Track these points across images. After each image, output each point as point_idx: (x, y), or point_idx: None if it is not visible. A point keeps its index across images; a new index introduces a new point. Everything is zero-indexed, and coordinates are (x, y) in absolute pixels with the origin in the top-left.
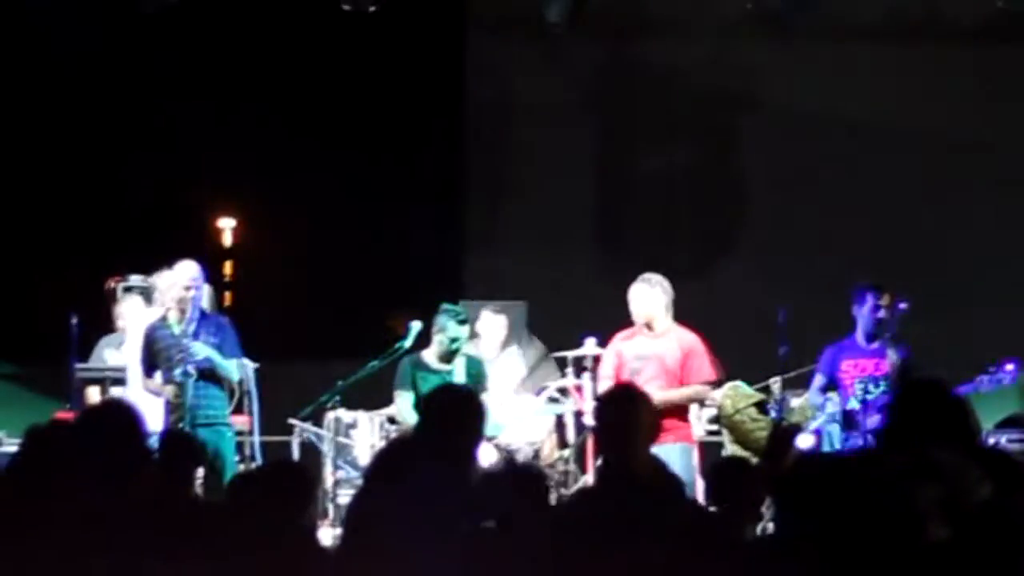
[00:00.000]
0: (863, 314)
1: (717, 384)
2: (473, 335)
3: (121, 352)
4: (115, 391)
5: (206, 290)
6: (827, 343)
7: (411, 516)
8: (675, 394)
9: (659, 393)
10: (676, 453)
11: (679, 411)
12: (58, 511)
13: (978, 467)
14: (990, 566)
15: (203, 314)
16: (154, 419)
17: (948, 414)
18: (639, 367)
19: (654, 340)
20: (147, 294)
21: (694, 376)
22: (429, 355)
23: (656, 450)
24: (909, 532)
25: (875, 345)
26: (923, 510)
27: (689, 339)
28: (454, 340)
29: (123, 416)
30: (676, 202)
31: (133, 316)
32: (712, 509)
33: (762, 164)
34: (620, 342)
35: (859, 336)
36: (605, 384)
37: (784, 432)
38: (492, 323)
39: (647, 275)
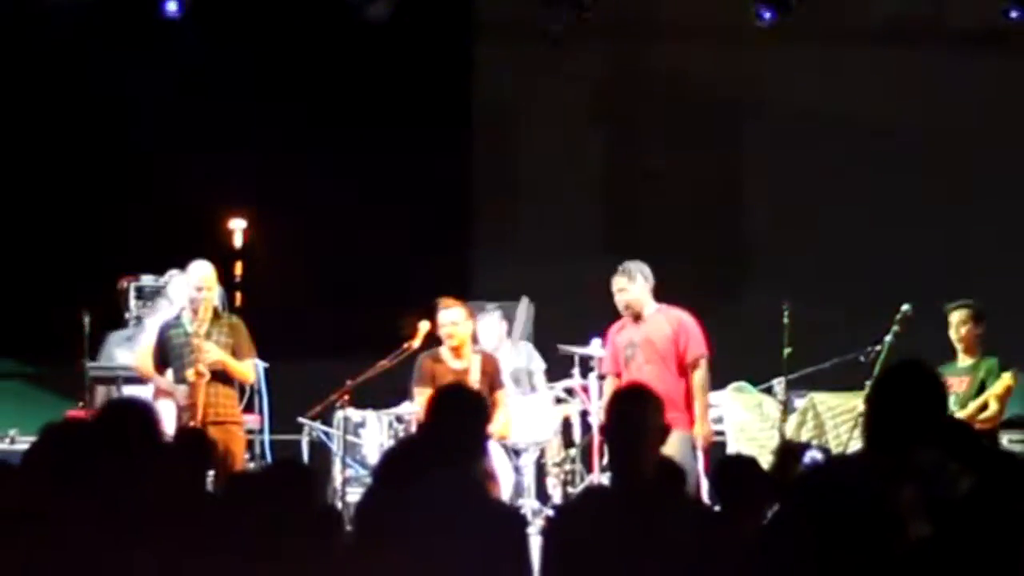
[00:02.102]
0: None
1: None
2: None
3: (132, 346)
4: (127, 390)
5: (218, 291)
6: (830, 344)
7: (419, 515)
8: (698, 405)
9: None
10: (675, 441)
11: (678, 400)
12: (72, 507)
13: (959, 460)
14: (973, 558)
15: (216, 315)
16: (165, 418)
17: (929, 394)
18: (631, 354)
19: (642, 326)
20: (151, 293)
21: (690, 352)
22: (445, 352)
23: None
24: (890, 533)
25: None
26: (903, 510)
27: (676, 315)
28: (444, 327)
29: (140, 414)
30: (680, 203)
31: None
32: (716, 508)
33: (767, 166)
34: (614, 335)
35: None
36: (610, 382)
37: (791, 449)
38: (490, 325)
39: (625, 265)
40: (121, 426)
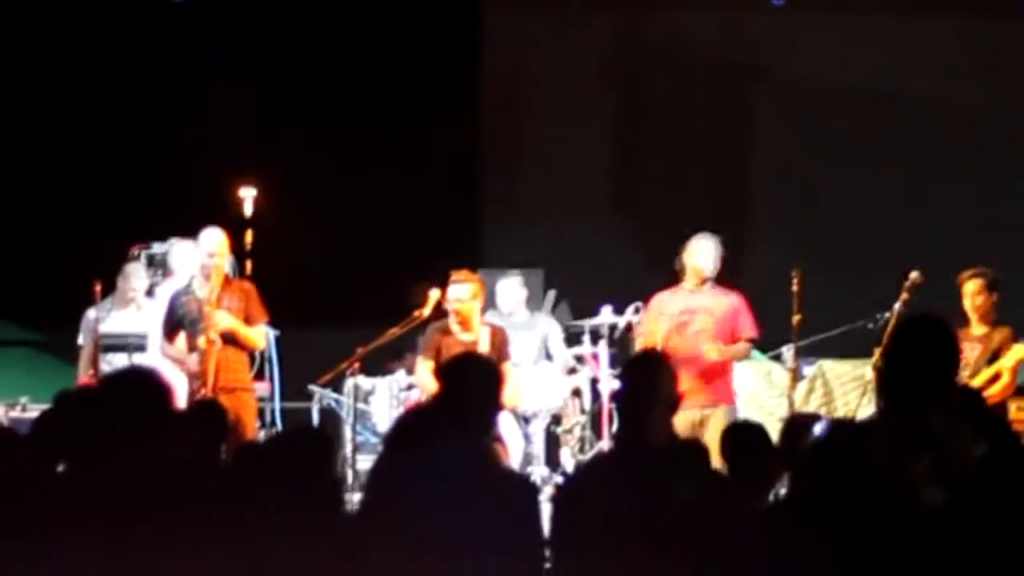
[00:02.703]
0: None
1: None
2: (491, 305)
3: (111, 317)
4: (138, 358)
5: (229, 258)
6: (839, 311)
7: (430, 483)
8: (732, 349)
9: (715, 347)
10: (722, 418)
11: (722, 371)
12: (83, 475)
13: (972, 427)
14: (987, 526)
15: (227, 280)
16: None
17: (946, 352)
18: (687, 320)
19: (700, 294)
20: (161, 261)
21: (746, 331)
22: (454, 323)
23: (698, 413)
24: (905, 502)
25: None
26: (917, 479)
27: (735, 294)
28: (450, 302)
29: (144, 383)
30: (690, 171)
31: (140, 282)
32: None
33: (776, 132)
34: (664, 297)
35: None
36: (639, 342)
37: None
38: (508, 290)
39: (708, 233)
40: (125, 395)
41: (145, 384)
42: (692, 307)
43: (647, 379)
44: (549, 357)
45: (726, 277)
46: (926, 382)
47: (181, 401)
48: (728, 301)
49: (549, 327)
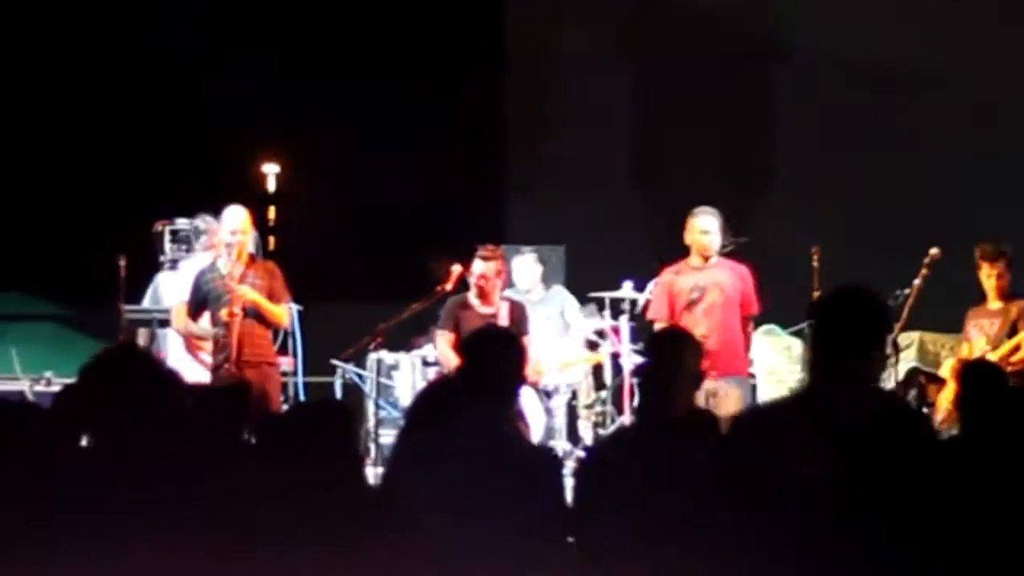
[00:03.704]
0: None
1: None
2: (510, 283)
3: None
4: (162, 332)
5: (253, 235)
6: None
7: (453, 456)
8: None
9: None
10: (738, 390)
11: (740, 346)
12: (106, 449)
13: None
14: (872, 495)
15: (252, 258)
16: (193, 364)
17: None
18: (698, 296)
19: (708, 270)
20: (185, 236)
21: (753, 305)
22: (473, 297)
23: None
24: (778, 478)
25: None
26: (792, 455)
27: (742, 268)
28: (478, 276)
29: (129, 362)
30: (712, 146)
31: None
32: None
33: (798, 108)
34: (671, 276)
35: None
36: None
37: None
38: (524, 266)
39: (710, 208)
40: (109, 376)
41: (127, 365)
42: (700, 283)
43: (673, 354)
44: (567, 328)
45: (746, 253)
46: (852, 346)
47: (205, 376)
48: (737, 275)
49: (564, 299)
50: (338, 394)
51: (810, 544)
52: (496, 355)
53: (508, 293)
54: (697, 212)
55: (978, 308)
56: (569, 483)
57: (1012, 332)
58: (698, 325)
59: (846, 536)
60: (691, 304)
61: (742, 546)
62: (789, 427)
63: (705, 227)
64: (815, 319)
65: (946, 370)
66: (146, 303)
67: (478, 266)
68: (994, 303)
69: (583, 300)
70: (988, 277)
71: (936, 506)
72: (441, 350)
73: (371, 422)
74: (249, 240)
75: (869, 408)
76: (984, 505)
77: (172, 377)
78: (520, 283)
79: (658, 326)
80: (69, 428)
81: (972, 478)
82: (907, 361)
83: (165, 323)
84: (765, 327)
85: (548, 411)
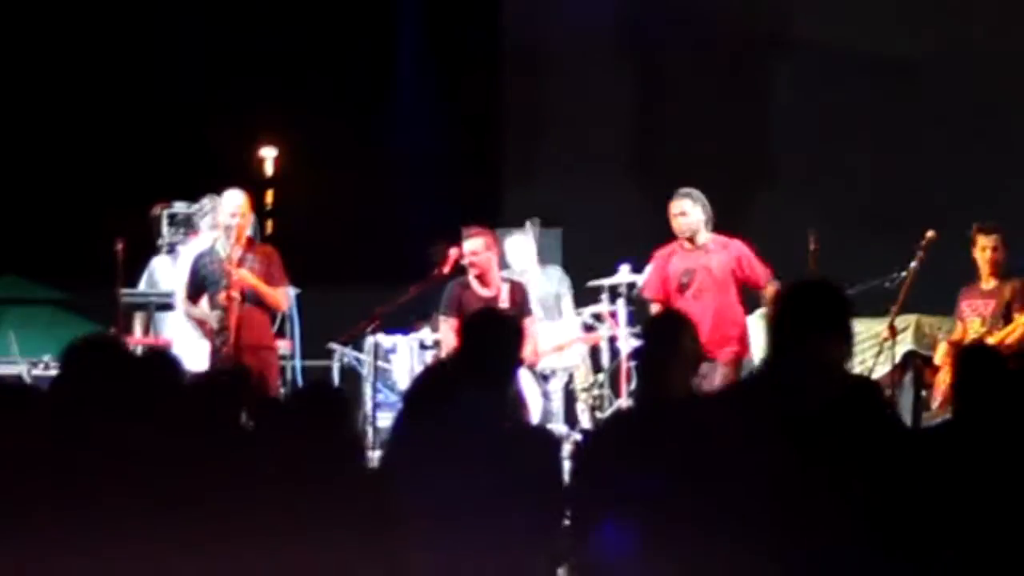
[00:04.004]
0: None
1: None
2: (505, 265)
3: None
4: (160, 316)
5: (251, 219)
6: (856, 270)
7: (451, 438)
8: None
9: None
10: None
11: (735, 329)
12: (102, 433)
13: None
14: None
15: (250, 242)
16: (193, 347)
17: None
18: (687, 281)
19: (697, 252)
20: (183, 220)
21: (760, 278)
22: (473, 280)
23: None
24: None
25: None
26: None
27: (735, 244)
28: (465, 256)
29: (104, 353)
30: (711, 134)
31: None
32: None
33: (796, 98)
34: (663, 262)
35: None
36: (654, 309)
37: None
38: (517, 246)
39: (686, 189)
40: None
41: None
42: (690, 267)
43: (670, 336)
44: (560, 314)
45: (747, 237)
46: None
47: (204, 360)
48: (728, 254)
49: (560, 282)
50: (335, 377)
51: (774, 527)
52: (493, 337)
53: (505, 274)
54: (674, 194)
55: (971, 287)
56: (566, 466)
57: (1007, 312)
58: (688, 309)
59: (801, 519)
60: (681, 288)
61: (707, 530)
62: (739, 412)
63: (677, 209)
64: (773, 306)
65: (939, 356)
66: (142, 287)
67: (467, 245)
68: (988, 282)
69: (579, 286)
70: (983, 250)
71: (902, 492)
72: (445, 336)
73: (368, 405)
74: (248, 223)
75: (824, 394)
76: (979, 488)
77: (149, 363)
78: (515, 263)
79: (654, 308)
80: (67, 411)
81: (967, 463)
82: (904, 344)
83: (163, 307)
84: (762, 310)
85: (545, 394)
